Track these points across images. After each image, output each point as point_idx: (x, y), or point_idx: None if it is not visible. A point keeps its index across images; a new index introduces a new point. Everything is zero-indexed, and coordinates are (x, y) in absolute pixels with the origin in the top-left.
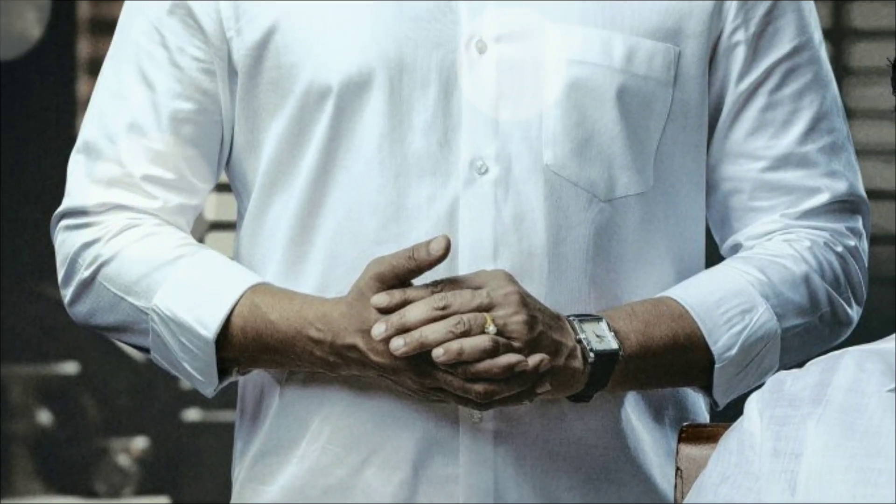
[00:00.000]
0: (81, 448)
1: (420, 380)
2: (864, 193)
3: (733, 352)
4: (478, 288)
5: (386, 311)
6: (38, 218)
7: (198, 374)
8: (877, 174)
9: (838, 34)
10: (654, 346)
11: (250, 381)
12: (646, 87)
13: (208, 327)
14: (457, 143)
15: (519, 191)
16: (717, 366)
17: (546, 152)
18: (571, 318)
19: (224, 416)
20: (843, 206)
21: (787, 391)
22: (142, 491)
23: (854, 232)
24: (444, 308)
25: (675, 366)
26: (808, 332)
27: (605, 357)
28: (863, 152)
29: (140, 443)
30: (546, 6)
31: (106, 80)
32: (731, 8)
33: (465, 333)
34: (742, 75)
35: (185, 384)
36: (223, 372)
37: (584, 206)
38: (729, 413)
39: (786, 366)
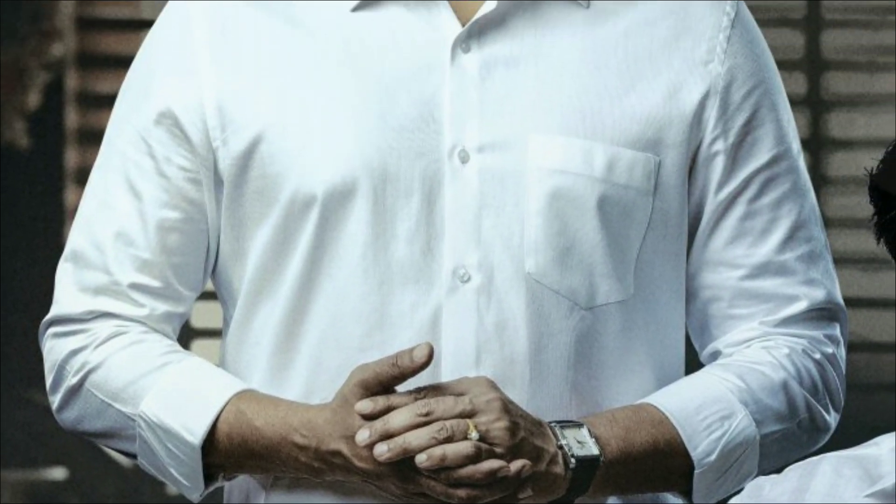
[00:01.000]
0: None
1: (403, 485)
2: (841, 301)
3: (713, 457)
4: (460, 394)
5: (370, 417)
6: (27, 325)
7: (184, 479)
8: (854, 282)
9: (816, 144)
10: (635, 452)
11: (236, 486)
12: (626, 196)
13: (194, 433)
14: (440, 251)
15: (501, 299)
16: (696, 471)
17: (528, 261)
18: (553, 425)
19: None
20: (821, 313)
21: (766, 496)
22: None
23: (832, 339)
24: (427, 414)
25: (655, 471)
26: (787, 438)
27: (587, 463)
28: (840, 260)
29: None
30: (528, 116)
31: (93, 189)
32: (711, 118)
33: (448, 439)
34: (721, 185)
35: (172, 489)
36: (209, 477)
37: (566, 314)
38: None
39: (764, 471)
